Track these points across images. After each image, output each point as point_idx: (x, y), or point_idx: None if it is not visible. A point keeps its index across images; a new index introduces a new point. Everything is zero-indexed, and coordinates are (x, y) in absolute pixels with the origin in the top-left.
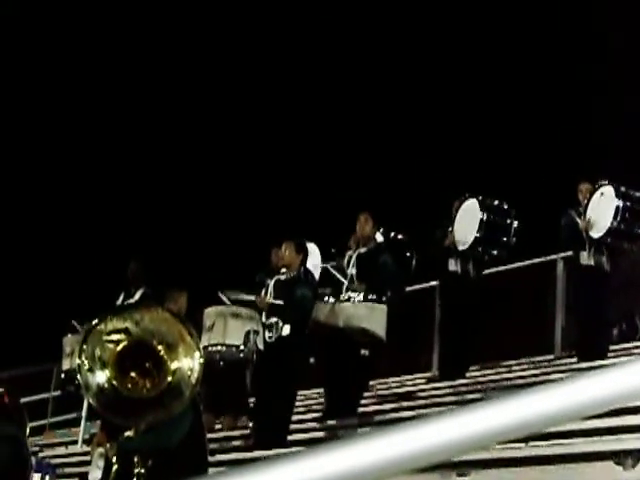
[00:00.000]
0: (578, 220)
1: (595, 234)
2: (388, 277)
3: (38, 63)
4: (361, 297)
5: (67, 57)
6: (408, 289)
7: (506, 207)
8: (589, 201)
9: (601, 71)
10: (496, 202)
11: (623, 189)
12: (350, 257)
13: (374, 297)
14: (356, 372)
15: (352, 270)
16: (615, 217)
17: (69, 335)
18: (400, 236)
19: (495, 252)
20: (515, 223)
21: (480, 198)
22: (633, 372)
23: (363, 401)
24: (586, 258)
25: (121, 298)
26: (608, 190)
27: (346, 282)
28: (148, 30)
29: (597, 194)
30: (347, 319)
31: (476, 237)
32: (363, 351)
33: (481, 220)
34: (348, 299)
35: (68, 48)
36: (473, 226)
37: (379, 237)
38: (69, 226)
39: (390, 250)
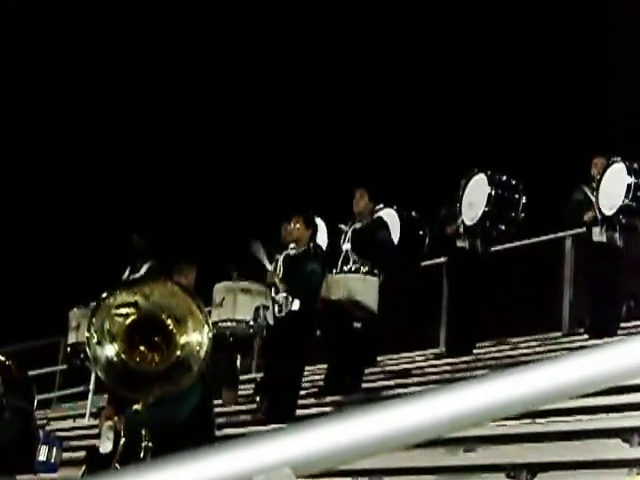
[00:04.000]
0: (591, 196)
1: (607, 211)
2: (387, 253)
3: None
4: (353, 269)
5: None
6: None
7: (514, 182)
8: (602, 177)
9: (616, 44)
10: (504, 177)
11: (636, 166)
12: (345, 232)
13: (366, 270)
14: (351, 346)
15: (347, 245)
16: (627, 195)
17: (75, 309)
18: (413, 214)
19: (503, 227)
20: (524, 198)
21: (489, 173)
22: (632, 349)
23: (369, 377)
24: (598, 234)
25: (127, 272)
26: (619, 167)
27: (341, 256)
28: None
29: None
30: (341, 291)
31: (484, 212)
32: (356, 324)
33: (489, 195)
34: (341, 271)
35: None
36: (482, 201)
37: (392, 213)
38: (76, 199)
39: (402, 227)
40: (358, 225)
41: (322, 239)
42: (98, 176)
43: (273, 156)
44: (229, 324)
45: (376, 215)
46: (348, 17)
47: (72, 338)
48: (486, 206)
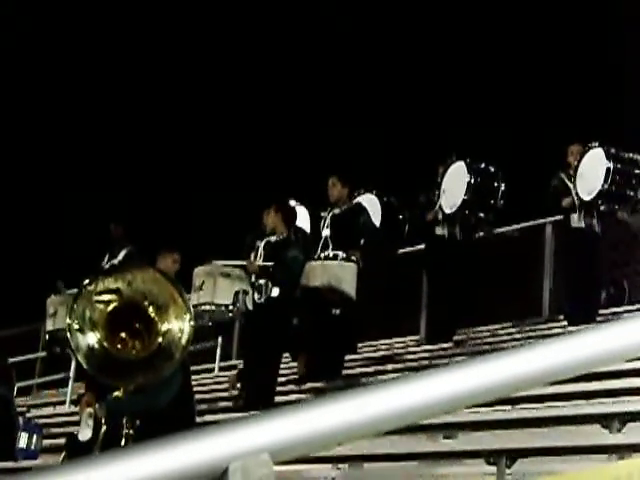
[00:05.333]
0: (569, 183)
1: (586, 196)
2: (372, 237)
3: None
4: (331, 256)
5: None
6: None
7: (493, 170)
8: (579, 163)
9: (594, 28)
10: (483, 165)
11: (613, 151)
12: (324, 219)
13: (344, 256)
14: (331, 332)
15: (326, 231)
16: (606, 179)
17: (52, 296)
18: (392, 199)
19: (482, 215)
20: (502, 186)
21: (467, 161)
22: (611, 336)
23: (349, 363)
24: (576, 221)
25: (106, 259)
26: (597, 152)
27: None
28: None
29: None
30: (319, 278)
31: (464, 200)
32: (335, 310)
33: (468, 183)
34: (318, 258)
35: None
36: (461, 189)
37: (372, 198)
38: (54, 187)
39: (384, 213)
40: (337, 211)
41: (305, 227)
42: (76, 165)
43: (256, 142)
44: (208, 307)
45: (355, 200)
46: (319, 4)
47: (49, 325)
48: (465, 194)
